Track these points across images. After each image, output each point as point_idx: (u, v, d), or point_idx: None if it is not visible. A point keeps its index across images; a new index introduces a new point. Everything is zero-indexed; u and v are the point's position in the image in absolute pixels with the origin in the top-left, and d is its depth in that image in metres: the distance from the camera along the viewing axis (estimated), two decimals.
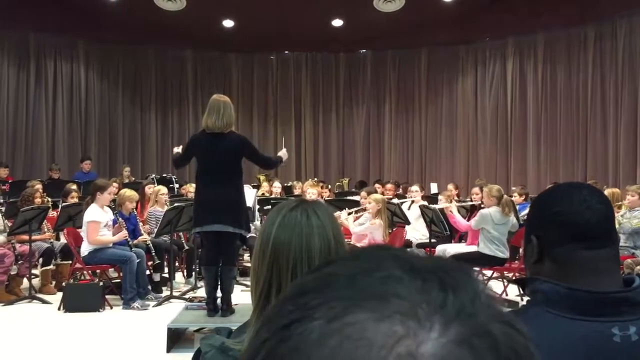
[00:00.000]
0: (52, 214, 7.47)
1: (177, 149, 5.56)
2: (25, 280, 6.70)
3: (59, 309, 6.07)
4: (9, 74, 12.17)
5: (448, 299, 0.36)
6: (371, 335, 0.34)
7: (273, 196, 9.15)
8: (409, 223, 7.31)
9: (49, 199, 7.87)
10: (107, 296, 6.23)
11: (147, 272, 6.67)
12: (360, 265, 0.39)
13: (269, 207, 7.54)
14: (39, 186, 8.05)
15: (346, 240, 7.49)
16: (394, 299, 0.36)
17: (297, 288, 0.39)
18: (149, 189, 8.02)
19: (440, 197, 7.76)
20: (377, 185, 9.97)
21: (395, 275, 0.38)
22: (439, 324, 0.35)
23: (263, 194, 9.54)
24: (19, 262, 6.59)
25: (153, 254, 6.63)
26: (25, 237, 6.55)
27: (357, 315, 0.35)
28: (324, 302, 0.37)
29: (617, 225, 5.94)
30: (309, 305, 0.37)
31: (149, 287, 6.55)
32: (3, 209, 7.04)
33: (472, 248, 6.53)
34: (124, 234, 6.34)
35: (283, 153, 5.58)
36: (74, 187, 8.16)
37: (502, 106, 12.98)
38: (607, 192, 7.17)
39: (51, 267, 7.00)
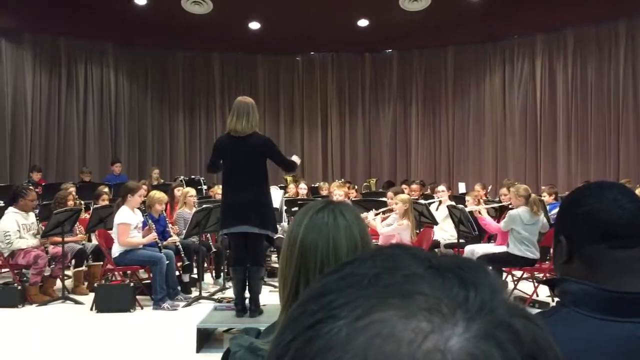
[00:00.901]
0: (84, 216, 7.61)
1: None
2: (58, 282, 6.83)
3: (91, 309, 6.18)
4: (42, 79, 12.44)
5: (470, 295, 0.37)
6: (399, 332, 0.35)
7: (300, 197, 9.17)
8: (436, 223, 7.26)
9: (81, 202, 8.02)
10: (137, 297, 6.32)
11: (177, 273, 6.74)
12: (382, 265, 0.40)
13: (296, 208, 7.57)
14: (72, 189, 8.21)
15: (373, 241, 7.47)
16: (417, 296, 0.37)
17: (319, 289, 0.40)
18: (178, 191, 8.12)
19: (467, 197, 7.68)
20: (403, 186, 9.93)
21: (417, 273, 0.39)
22: (463, 320, 0.36)
23: (292, 194, 9.58)
24: (52, 264, 6.71)
25: (182, 255, 6.71)
26: (58, 238, 6.68)
27: (383, 312, 0.36)
28: (348, 302, 0.38)
29: None
30: (333, 305, 0.38)
31: (179, 287, 6.62)
32: (37, 211, 7.19)
33: (502, 248, 6.45)
34: (153, 235, 6.42)
35: (295, 158, 5.55)
36: (105, 189, 8.31)
37: (531, 105, 12.80)
38: (639, 191, 7.02)
39: (83, 268, 7.13)
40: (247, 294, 5.07)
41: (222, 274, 7.45)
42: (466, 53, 13.66)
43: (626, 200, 1.17)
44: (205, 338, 4.99)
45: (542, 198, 7.92)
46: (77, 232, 7.32)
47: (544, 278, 6.71)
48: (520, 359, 0.36)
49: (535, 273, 6.78)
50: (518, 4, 11.92)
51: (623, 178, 10.08)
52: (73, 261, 7.02)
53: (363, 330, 0.36)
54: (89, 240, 7.53)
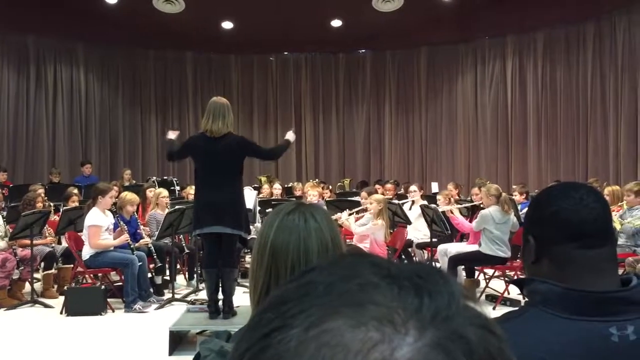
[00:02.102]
0: (54, 218, 7.48)
1: (172, 135, 5.43)
2: (27, 285, 6.70)
3: (61, 312, 6.08)
4: (9, 78, 12.19)
5: (423, 303, 0.37)
6: (347, 342, 0.35)
7: (274, 197, 9.15)
8: (410, 223, 7.31)
9: (51, 203, 7.88)
10: (109, 299, 6.23)
11: (149, 275, 6.67)
12: (338, 273, 0.40)
13: (270, 208, 7.54)
14: (41, 190, 8.06)
15: (348, 240, 7.51)
16: (370, 305, 0.37)
17: (279, 297, 0.40)
18: (150, 192, 8.03)
19: (438, 197, 7.74)
20: (377, 186, 9.97)
21: (373, 282, 0.39)
22: (415, 329, 0.36)
23: (266, 194, 9.55)
24: (21, 267, 6.59)
25: (154, 256, 6.64)
26: (27, 241, 6.55)
27: (334, 322, 0.36)
28: (303, 310, 0.37)
29: (619, 227, 5.95)
30: (289, 314, 0.38)
31: (151, 290, 6.55)
32: (4, 213, 7.04)
33: (474, 247, 6.53)
34: (125, 237, 6.34)
35: (290, 135, 5.47)
36: (75, 191, 8.17)
37: (502, 105, 12.97)
38: (607, 189, 7.17)
39: (53, 271, 7.01)
40: (220, 296, 5.04)
41: (195, 275, 7.39)
42: (438, 54, 13.78)
43: (592, 200, 1.18)
44: (178, 340, 4.94)
45: (513, 197, 8.03)
46: (47, 234, 7.19)
47: (515, 276, 6.81)
48: None
49: (507, 271, 6.87)
50: (489, 5, 12.08)
51: (591, 177, 10.28)
52: (42, 264, 6.90)
53: (312, 339, 0.36)
54: (59, 242, 7.40)
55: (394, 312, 0.36)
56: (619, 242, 6.16)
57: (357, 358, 0.34)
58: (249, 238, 5.46)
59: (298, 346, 0.36)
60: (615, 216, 6.26)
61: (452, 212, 6.92)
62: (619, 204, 6.77)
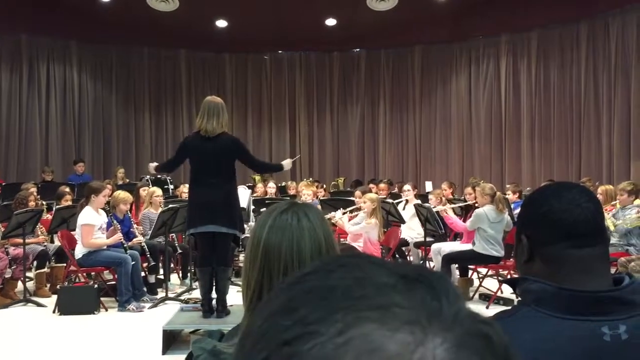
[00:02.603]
0: (46, 216, 7.44)
1: (152, 166, 5.62)
2: (19, 284, 6.67)
3: (53, 311, 6.06)
4: (2, 77, 12.13)
5: (443, 305, 0.38)
6: (384, 346, 0.35)
7: (268, 197, 9.14)
8: (404, 222, 7.32)
9: (43, 202, 7.84)
10: (102, 298, 6.21)
11: (142, 273, 6.65)
12: (351, 275, 0.40)
13: (264, 207, 7.53)
14: (33, 189, 8.03)
15: (342, 239, 7.50)
16: (395, 308, 0.37)
17: (287, 302, 0.39)
18: (144, 191, 8.01)
19: (430, 196, 7.75)
20: (371, 185, 9.98)
21: (389, 283, 0.39)
22: (440, 330, 0.37)
23: (260, 193, 9.54)
24: (13, 266, 6.56)
25: (148, 255, 6.62)
26: (19, 240, 6.52)
27: (364, 327, 0.36)
28: (325, 316, 0.37)
29: (612, 227, 5.97)
30: (308, 320, 0.37)
31: (144, 288, 6.53)
32: None
33: (467, 246, 6.54)
34: (118, 236, 6.32)
35: (287, 163, 5.53)
36: (67, 189, 8.14)
37: (495, 104, 13.00)
38: (601, 189, 7.20)
39: (45, 270, 6.98)
40: (214, 295, 5.03)
41: (188, 274, 7.38)
42: (433, 53, 13.80)
43: (584, 200, 1.19)
44: (172, 340, 4.94)
45: (507, 196, 8.05)
46: (39, 233, 7.16)
47: (508, 276, 6.83)
48: None
49: (500, 270, 6.89)
50: (484, 4, 12.10)
51: (584, 176, 10.32)
52: (35, 263, 6.87)
53: (346, 345, 0.35)
54: (52, 241, 7.37)
55: (419, 314, 0.37)
56: (611, 242, 6.19)
57: None
58: (242, 237, 5.46)
59: (334, 353, 0.35)
60: (608, 215, 6.29)
61: (446, 212, 6.94)
62: (612, 203, 6.80)
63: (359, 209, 7.11)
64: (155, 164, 5.65)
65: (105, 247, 6.29)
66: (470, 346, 0.36)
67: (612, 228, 6.22)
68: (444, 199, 7.70)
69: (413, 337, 0.36)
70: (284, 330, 0.37)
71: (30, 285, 6.95)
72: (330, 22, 13.21)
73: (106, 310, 6.12)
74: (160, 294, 6.70)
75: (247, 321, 0.43)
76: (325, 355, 0.35)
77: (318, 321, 0.37)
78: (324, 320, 0.37)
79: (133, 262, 6.22)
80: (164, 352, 4.70)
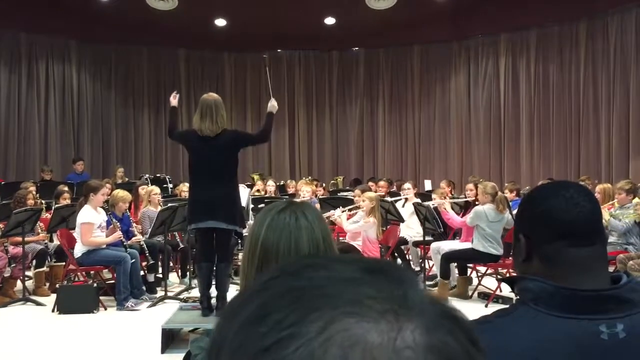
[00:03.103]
0: (45, 215, 7.44)
1: (175, 102, 5.45)
2: (18, 283, 6.67)
3: (53, 310, 6.05)
4: (0, 75, 12.11)
5: (408, 292, 0.40)
6: (368, 338, 0.36)
7: (267, 195, 9.14)
8: (402, 220, 7.32)
9: (42, 201, 7.84)
10: (101, 297, 6.21)
11: (141, 272, 6.65)
12: (319, 275, 0.40)
13: (263, 206, 7.53)
14: (32, 188, 8.02)
15: (341, 238, 7.49)
16: (367, 300, 0.38)
17: (257, 310, 0.39)
18: (143, 190, 8.00)
19: (433, 195, 7.76)
20: (370, 183, 9.98)
21: (357, 278, 0.40)
22: (412, 316, 0.38)
23: (258, 190, 9.53)
24: (13, 265, 6.56)
25: (147, 254, 6.62)
26: (19, 239, 6.52)
27: (343, 322, 0.37)
28: (302, 317, 0.37)
29: (606, 218, 5.97)
30: (285, 324, 0.37)
31: (143, 287, 6.53)
32: None
33: (466, 245, 6.54)
34: (118, 234, 6.32)
35: (271, 106, 5.29)
36: (66, 188, 8.13)
37: (495, 103, 13.00)
38: (598, 188, 7.20)
39: (45, 268, 6.98)
40: (213, 293, 5.03)
41: (187, 273, 7.38)
42: (432, 51, 13.80)
43: (582, 199, 1.19)
44: (171, 338, 4.94)
45: (505, 194, 8.05)
46: (39, 231, 7.16)
47: (507, 274, 6.84)
48: (466, 343, 0.39)
49: (499, 269, 6.90)
50: (483, 3, 12.10)
51: (583, 175, 10.33)
52: (34, 262, 6.87)
53: (330, 342, 0.36)
54: (51, 240, 7.37)
55: (390, 304, 0.38)
56: (610, 240, 6.20)
57: (382, 351, 0.36)
58: (244, 232, 5.44)
59: (321, 351, 0.36)
60: (606, 214, 6.30)
61: (444, 207, 6.94)
62: (610, 202, 6.81)
63: (358, 208, 7.12)
64: (175, 103, 5.45)
65: (104, 246, 6.29)
66: (442, 327, 0.38)
67: (605, 220, 6.20)
68: (447, 197, 7.71)
69: (390, 325, 0.37)
70: (261, 338, 0.37)
71: (30, 284, 6.95)
72: (329, 21, 13.21)
73: (105, 309, 6.12)
74: (159, 292, 6.70)
75: (213, 334, 0.43)
76: (312, 354, 0.36)
77: (295, 323, 0.37)
78: (301, 321, 0.37)
79: (132, 261, 6.22)
80: (163, 351, 4.70)
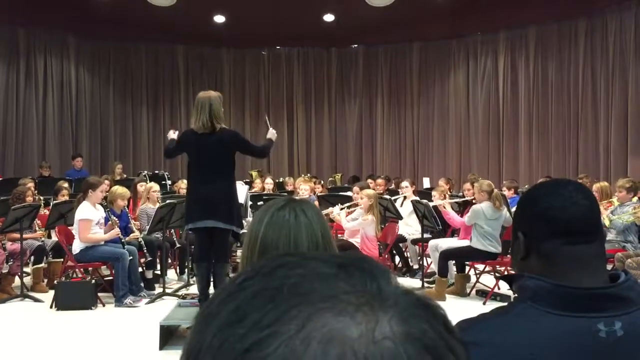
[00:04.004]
0: (44, 212, 7.43)
1: (173, 135, 5.43)
2: (16, 279, 6.66)
3: (51, 307, 6.05)
4: None
5: (381, 285, 0.41)
6: (348, 332, 0.37)
7: (265, 192, 9.14)
8: (401, 218, 7.32)
9: (40, 197, 7.83)
10: (99, 294, 6.20)
11: (140, 269, 6.65)
12: (293, 272, 0.41)
13: (262, 203, 7.53)
14: (31, 184, 8.01)
15: (339, 235, 7.48)
16: (343, 295, 0.39)
17: (235, 310, 0.39)
18: (141, 186, 8.00)
19: (434, 192, 7.76)
20: (368, 181, 9.98)
21: (331, 273, 0.41)
22: (387, 307, 0.39)
23: (257, 189, 9.53)
24: (10, 261, 6.55)
25: (145, 251, 6.62)
26: (17, 235, 6.52)
27: (322, 318, 0.37)
28: (280, 316, 0.38)
29: (608, 223, 5.98)
30: (263, 323, 0.38)
31: (142, 284, 6.53)
32: None
33: (465, 242, 6.55)
34: (116, 231, 6.31)
35: (272, 134, 5.37)
36: (65, 184, 8.13)
37: (493, 100, 13.01)
38: (596, 186, 7.20)
39: (43, 265, 6.97)
40: (211, 290, 5.03)
41: (186, 270, 7.38)
42: (431, 49, 13.80)
43: (581, 197, 1.19)
44: (169, 335, 4.94)
45: (503, 192, 8.06)
46: (37, 228, 7.15)
47: (505, 272, 6.84)
48: (443, 330, 0.40)
49: (497, 267, 6.90)
50: (482, 1, 12.09)
51: (581, 173, 10.33)
52: (32, 258, 6.86)
53: (310, 339, 0.36)
54: (49, 236, 7.36)
55: (365, 296, 0.39)
56: (608, 238, 6.21)
57: (361, 343, 0.37)
58: (241, 232, 5.45)
59: (301, 349, 0.36)
60: (605, 213, 6.30)
61: (444, 207, 6.95)
62: (609, 200, 6.82)
63: (356, 205, 7.12)
64: (174, 136, 5.38)
65: (102, 243, 6.29)
66: (417, 315, 0.39)
67: (607, 224, 6.23)
68: (447, 196, 7.72)
69: (367, 317, 0.38)
70: (240, 339, 0.37)
71: (28, 280, 6.94)
72: (329, 17, 13.19)
73: (103, 305, 6.12)
74: (158, 289, 6.69)
75: (190, 338, 0.43)
76: (293, 352, 0.36)
77: (274, 322, 0.37)
78: (280, 320, 0.37)
79: (130, 258, 6.22)
80: (161, 348, 4.71)
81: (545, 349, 1.09)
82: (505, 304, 1.25)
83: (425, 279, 7.08)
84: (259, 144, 5.52)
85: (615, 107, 10.89)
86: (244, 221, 6.33)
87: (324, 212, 6.69)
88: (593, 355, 1.08)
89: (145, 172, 10.70)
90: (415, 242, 7.51)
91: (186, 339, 0.43)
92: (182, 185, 8.25)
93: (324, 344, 0.36)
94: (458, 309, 4.55)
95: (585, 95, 11.49)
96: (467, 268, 6.98)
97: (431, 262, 7.31)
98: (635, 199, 6.61)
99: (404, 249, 7.80)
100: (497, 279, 6.58)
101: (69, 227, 6.63)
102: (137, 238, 6.65)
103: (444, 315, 0.42)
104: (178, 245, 7.46)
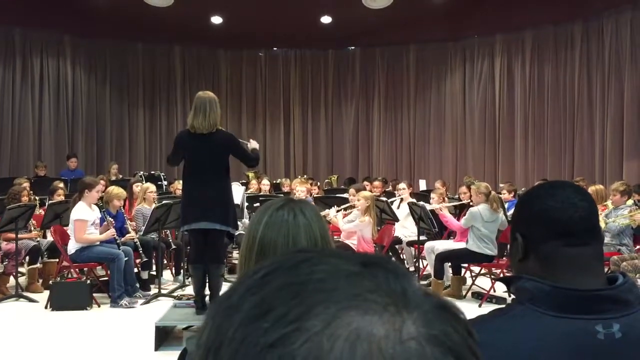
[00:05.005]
0: (39, 212, 7.41)
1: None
2: (11, 279, 6.64)
3: (46, 307, 6.03)
4: None
5: (405, 286, 0.40)
6: (374, 331, 0.37)
7: (262, 193, 9.13)
8: (397, 220, 7.33)
9: (36, 197, 7.80)
10: (94, 294, 6.19)
11: (135, 270, 6.63)
12: (318, 269, 0.41)
13: (258, 204, 7.53)
14: (26, 184, 7.98)
15: (336, 237, 7.49)
16: (368, 294, 0.39)
17: (259, 303, 0.39)
18: (137, 187, 7.98)
19: (433, 195, 7.76)
20: (365, 183, 9.99)
21: (356, 272, 0.40)
22: (412, 308, 0.39)
23: (253, 190, 9.52)
24: (5, 261, 6.53)
25: (141, 251, 6.60)
26: (12, 235, 6.49)
27: (348, 316, 0.37)
28: (306, 311, 0.37)
29: (603, 226, 6.00)
30: (289, 318, 0.37)
31: (137, 285, 6.52)
32: None
33: (461, 245, 6.56)
34: (112, 232, 6.30)
35: (254, 144, 5.35)
36: (61, 184, 8.10)
37: (490, 103, 13.04)
38: (591, 189, 7.22)
39: (38, 265, 6.95)
40: (207, 291, 5.02)
41: (181, 270, 7.36)
42: (427, 51, 13.82)
43: (579, 199, 1.19)
44: (164, 336, 4.93)
45: (501, 195, 8.07)
46: (32, 228, 7.13)
47: (502, 274, 6.86)
48: (465, 333, 0.40)
49: (493, 269, 6.91)
50: (478, 3, 12.12)
51: (577, 176, 10.36)
52: (27, 258, 6.84)
53: (336, 336, 0.36)
54: (44, 236, 7.34)
55: (390, 296, 0.39)
56: (604, 241, 6.22)
57: (388, 343, 0.37)
58: (236, 234, 5.45)
59: (327, 346, 0.36)
60: (600, 216, 6.32)
61: (441, 210, 6.95)
62: (604, 203, 6.84)
63: (352, 207, 7.12)
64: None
65: (98, 243, 6.27)
66: (440, 317, 0.39)
67: (603, 226, 6.24)
68: (446, 199, 7.72)
69: (394, 318, 0.38)
70: (264, 334, 0.37)
71: (23, 280, 6.92)
72: (326, 19, 13.20)
73: (99, 306, 6.10)
74: (153, 290, 6.68)
75: (207, 331, 0.42)
76: (319, 349, 0.36)
77: (299, 318, 0.37)
78: (305, 315, 0.37)
79: (126, 258, 6.20)
80: (156, 348, 4.69)
81: (544, 350, 1.09)
82: (504, 306, 1.25)
83: (421, 282, 7.08)
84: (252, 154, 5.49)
85: (610, 110, 10.93)
86: (239, 222, 6.32)
87: (321, 213, 6.68)
88: (591, 357, 1.08)
89: (142, 172, 10.69)
90: (410, 244, 7.52)
91: (200, 334, 0.42)
92: (178, 186, 8.24)
93: (351, 341, 0.36)
94: None
95: (581, 98, 11.53)
96: (463, 270, 6.99)
97: (427, 264, 7.31)
98: (630, 201, 6.63)
99: (399, 251, 7.81)
100: (493, 281, 6.59)
101: (64, 227, 6.61)
102: (133, 239, 6.64)
103: (465, 318, 0.42)
104: (174, 246, 7.45)
